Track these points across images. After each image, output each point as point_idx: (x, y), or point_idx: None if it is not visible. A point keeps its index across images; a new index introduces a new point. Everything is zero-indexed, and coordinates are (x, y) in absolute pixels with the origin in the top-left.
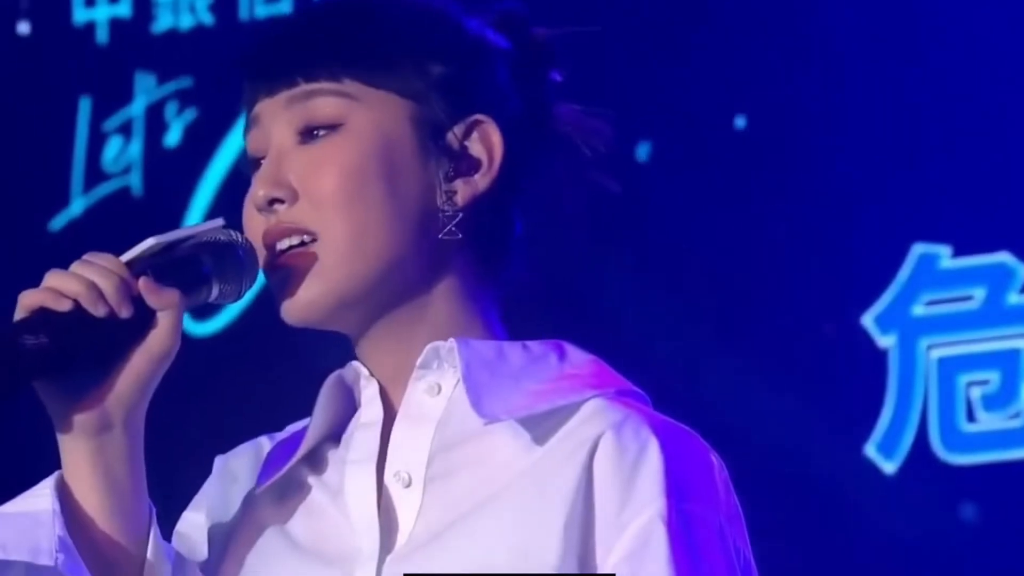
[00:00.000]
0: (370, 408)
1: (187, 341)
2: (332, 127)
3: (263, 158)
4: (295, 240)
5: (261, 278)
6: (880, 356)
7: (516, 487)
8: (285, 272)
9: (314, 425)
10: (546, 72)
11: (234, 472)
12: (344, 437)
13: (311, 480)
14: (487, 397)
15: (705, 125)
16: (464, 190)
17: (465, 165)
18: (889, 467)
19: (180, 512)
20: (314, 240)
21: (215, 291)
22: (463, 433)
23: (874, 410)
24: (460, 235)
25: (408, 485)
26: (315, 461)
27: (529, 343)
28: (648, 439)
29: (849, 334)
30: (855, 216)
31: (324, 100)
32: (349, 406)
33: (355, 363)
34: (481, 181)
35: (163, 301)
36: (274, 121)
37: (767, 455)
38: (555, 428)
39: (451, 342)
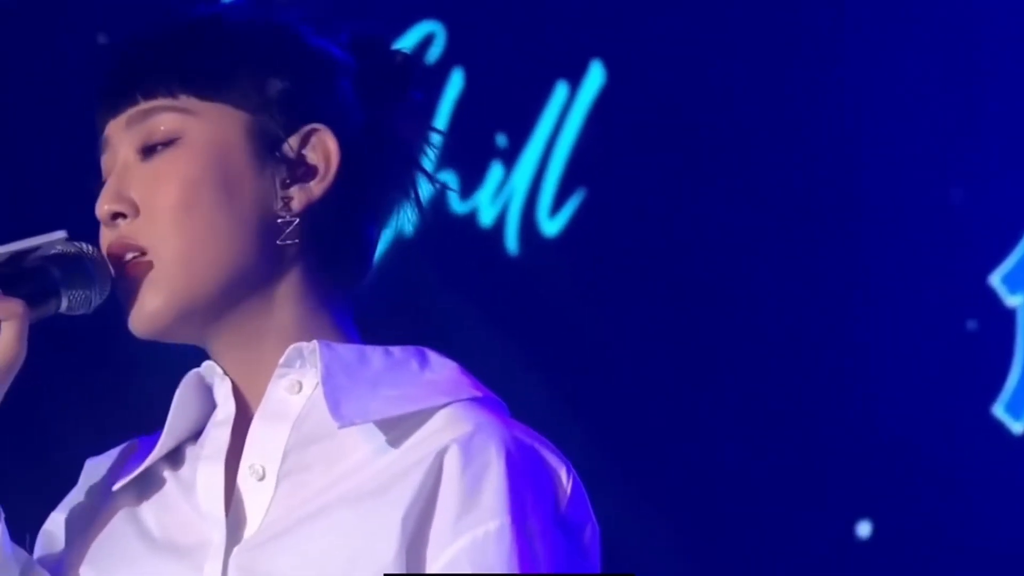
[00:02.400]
0: (224, 406)
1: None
2: (169, 142)
3: None
4: (134, 253)
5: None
6: (1008, 316)
7: (363, 488)
8: (126, 284)
9: (171, 423)
10: (393, 90)
11: (101, 472)
12: (203, 435)
13: (168, 476)
14: (344, 400)
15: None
16: (300, 196)
17: (301, 172)
18: (1018, 427)
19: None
20: (150, 252)
21: (64, 303)
22: (319, 432)
23: (1002, 370)
24: (298, 240)
25: (261, 478)
26: (175, 459)
27: (392, 348)
28: (494, 453)
29: (976, 294)
30: (983, 177)
31: (161, 116)
32: (209, 404)
33: (210, 363)
34: (317, 187)
35: (6, 311)
36: (120, 141)
37: (894, 416)
38: (408, 433)
39: (314, 343)
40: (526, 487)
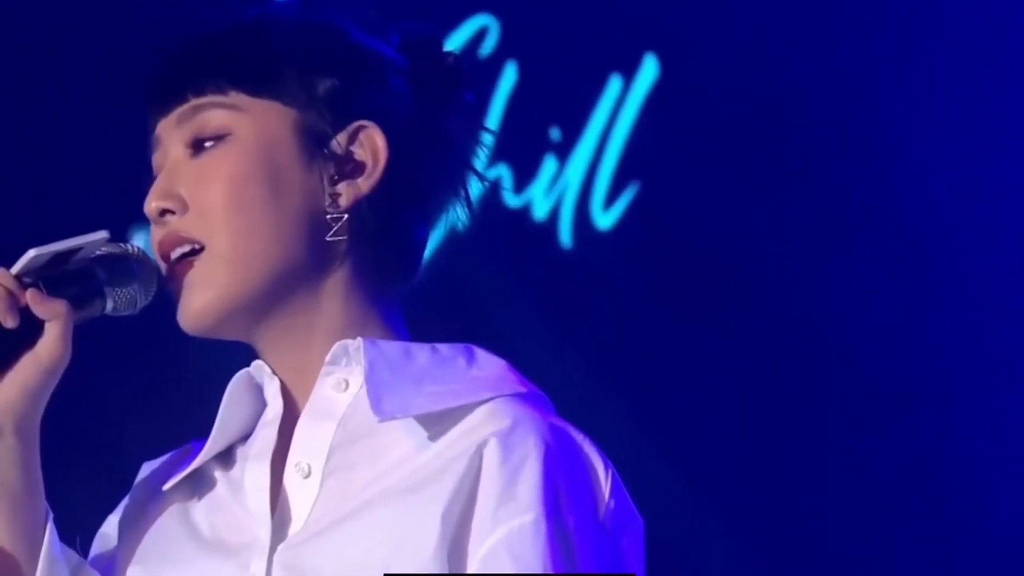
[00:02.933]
0: (272, 405)
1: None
2: (218, 138)
3: None
4: (185, 248)
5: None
6: None
7: (404, 481)
8: (177, 281)
9: (220, 424)
10: (444, 90)
11: (155, 475)
12: (252, 435)
13: (218, 476)
14: (386, 396)
15: None
16: (348, 192)
17: (349, 169)
18: None
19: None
20: (202, 249)
21: (109, 304)
22: (364, 429)
23: None
24: (346, 236)
25: (307, 476)
26: (226, 459)
27: (439, 345)
28: (533, 446)
29: None
30: None
31: (211, 112)
32: (259, 404)
33: (259, 362)
34: (364, 184)
35: (50, 311)
36: (170, 138)
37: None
38: (449, 428)
39: (358, 341)
40: (563, 482)
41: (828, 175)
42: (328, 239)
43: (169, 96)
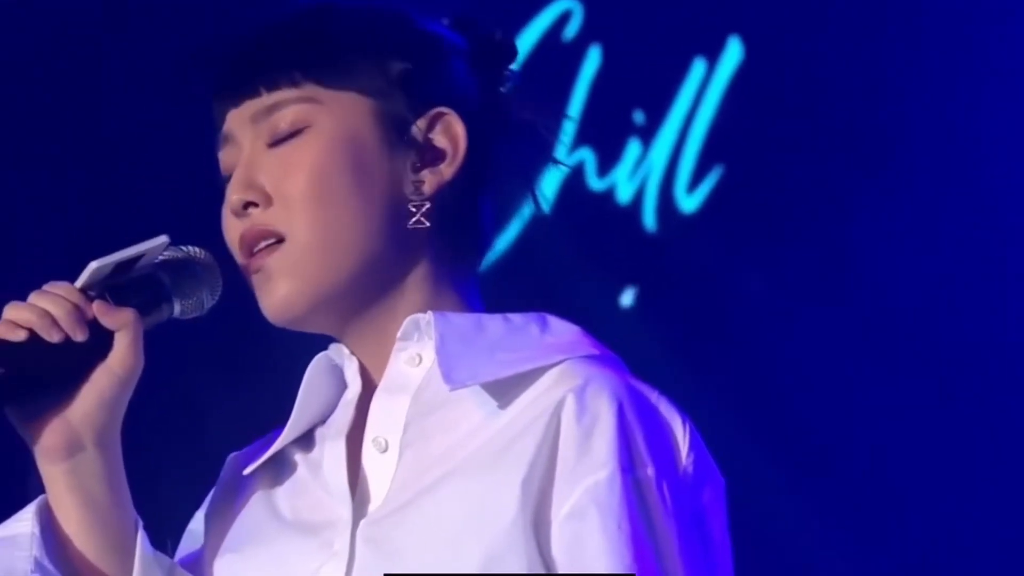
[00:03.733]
0: (352, 385)
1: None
2: (297, 131)
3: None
4: (270, 241)
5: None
6: None
7: (482, 451)
8: (259, 273)
9: (300, 406)
10: (502, 68)
11: (240, 464)
12: (331, 416)
13: (299, 459)
14: (457, 366)
15: None
16: (431, 180)
17: (430, 156)
18: None
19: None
20: (284, 239)
21: (177, 307)
22: (437, 401)
23: None
24: (429, 224)
25: (384, 451)
26: (306, 442)
27: (511, 315)
28: (606, 402)
29: None
30: None
31: (287, 108)
32: (339, 386)
33: (336, 344)
34: (447, 170)
35: (117, 321)
36: (243, 134)
37: None
38: (522, 392)
39: (429, 314)
40: (638, 437)
41: (916, 156)
42: (411, 226)
43: (240, 91)
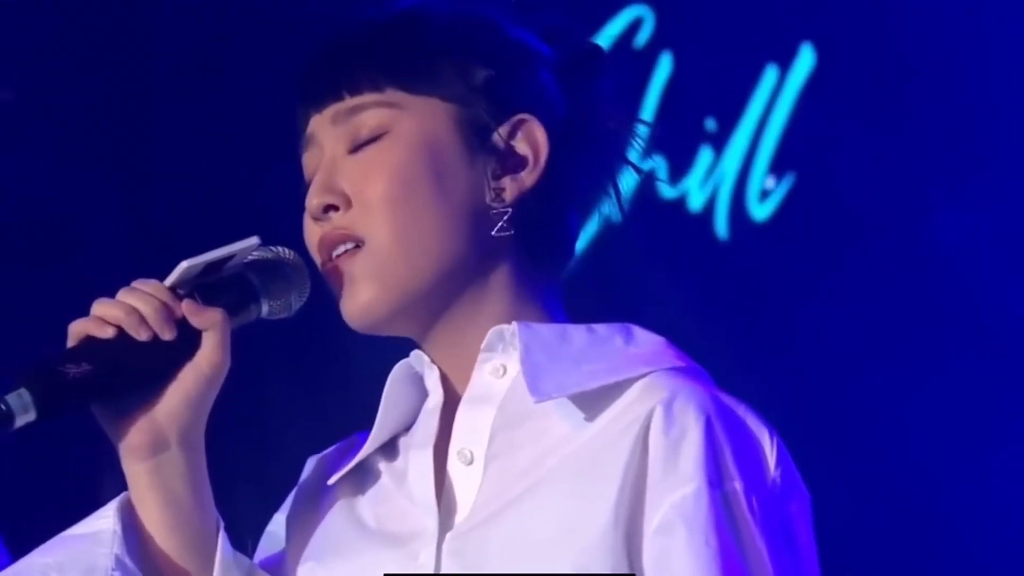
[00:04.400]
0: (433, 394)
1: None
2: (378, 136)
3: None
4: (349, 245)
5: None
6: None
7: (570, 463)
8: (339, 277)
9: (382, 416)
10: (591, 78)
11: (320, 469)
12: (414, 425)
13: (382, 468)
14: (543, 377)
15: None
16: (512, 187)
17: (512, 163)
18: None
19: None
20: (364, 244)
21: (265, 308)
22: (523, 412)
23: None
24: (511, 231)
25: (470, 463)
26: (389, 451)
27: (595, 326)
28: (693, 415)
29: None
30: None
31: (369, 112)
32: (420, 394)
33: (417, 352)
34: (528, 178)
35: (206, 320)
36: (325, 137)
37: None
38: (608, 405)
39: (513, 325)
40: (725, 451)
41: (999, 162)
42: (493, 234)
43: (323, 93)
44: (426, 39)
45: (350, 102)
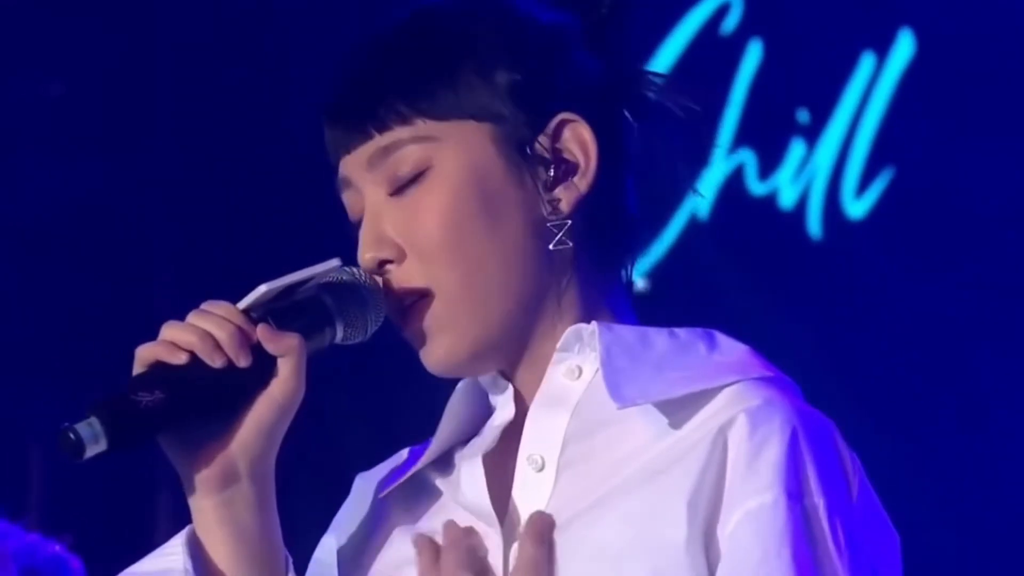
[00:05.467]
0: (504, 410)
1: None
2: (419, 174)
3: (363, 218)
4: (415, 296)
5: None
6: None
7: (645, 471)
8: (412, 329)
9: (442, 427)
10: (622, 39)
11: (370, 485)
12: (474, 439)
13: (438, 481)
14: (625, 382)
15: None
16: (567, 196)
17: (562, 170)
18: None
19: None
20: (430, 295)
21: (340, 333)
22: (600, 418)
23: None
24: (571, 243)
25: (541, 469)
26: (444, 463)
27: (677, 330)
28: (778, 426)
29: None
30: None
31: (404, 150)
32: (483, 407)
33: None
34: (582, 182)
35: (282, 347)
36: (362, 182)
37: None
38: (692, 414)
39: (593, 325)
40: (809, 466)
41: None
42: (553, 248)
43: (351, 134)
44: (438, 53)
45: (381, 141)
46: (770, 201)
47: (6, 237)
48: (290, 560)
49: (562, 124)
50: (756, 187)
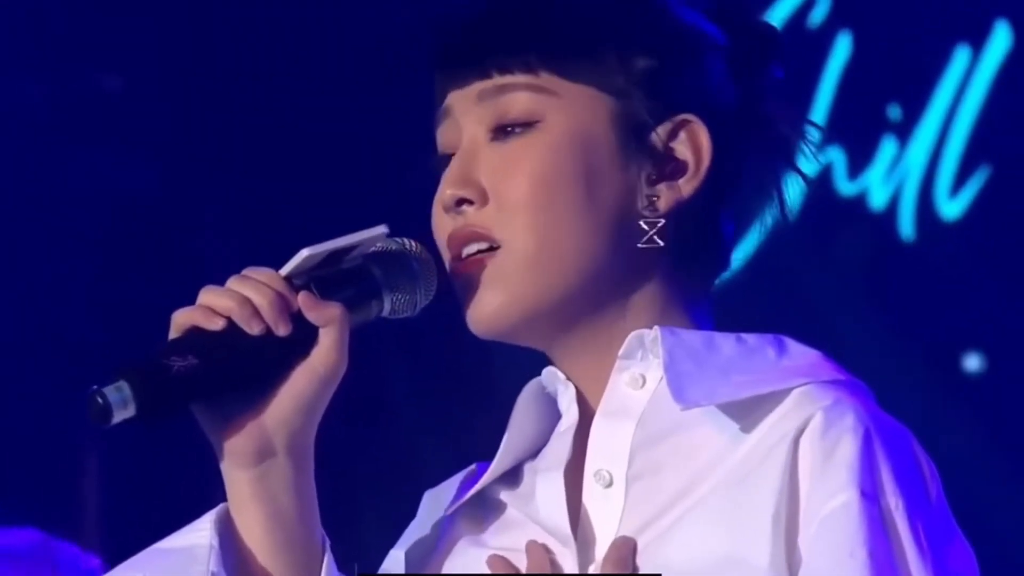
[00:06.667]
0: (568, 415)
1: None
2: (526, 124)
3: (453, 155)
4: (482, 245)
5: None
6: None
7: (722, 486)
8: (468, 278)
9: (509, 439)
10: (764, 68)
11: (439, 502)
12: (544, 448)
13: (506, 496)
14: (689, 385)
15: None
16: (667, 196)
17: (669, 168)
18: None
19: None
20: (500, 247)
21: (387, 305)
22: (667, 427)
23: None
24: (662, 243)
25: (609, 485)
26: (514, 477)
27: (745, 335)
28: (850, 424)
29: None
30: None
31: (518, 95)
32: (550, 416)
33: (551, 369)
34: (686, 186)
35: (324, 317)
36: (465, 116)
37: None
38: (762, 418)
39: (655, 330)
40: (884, 465)
41: None
42: (640, 245)
43: (468, 69)
44: (587, 18)
45: (498, 80)
46: (860, 201)
47: (61, 233)
48: (327, 544)
49: (683, 123)
50: (845, 187)
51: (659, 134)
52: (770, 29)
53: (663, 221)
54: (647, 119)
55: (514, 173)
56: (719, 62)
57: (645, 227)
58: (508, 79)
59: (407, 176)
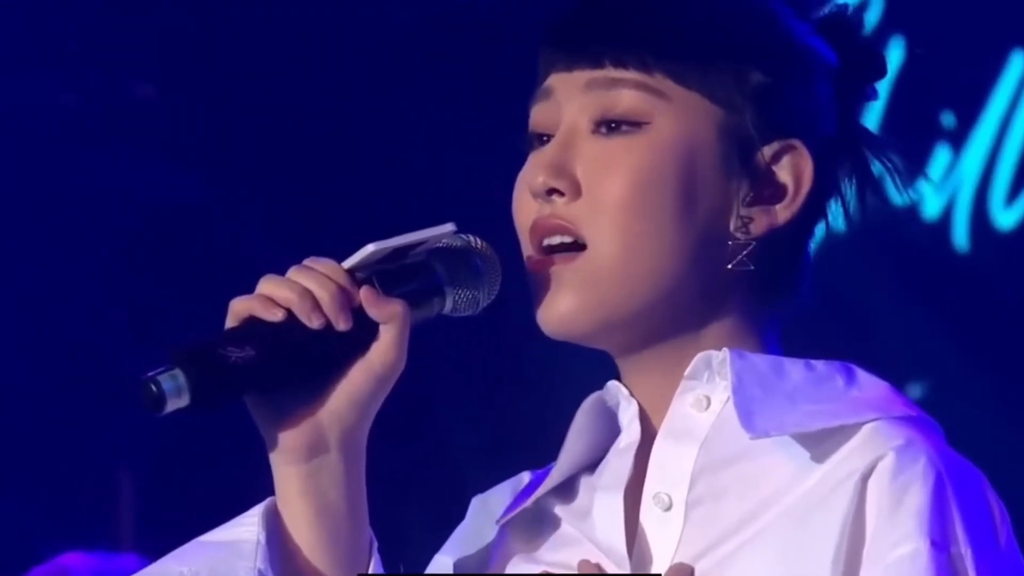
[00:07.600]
0: (628, 431)
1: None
2: (633, 124)
3: (546, 136)
4: (566, 239)
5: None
6: None
7: (785, 519)
8: (546, 275)
9: (566, 451)
10: (866, 93)
11: (489, 510)
12: (601, 464)
13: (561, 511)
14: (758, 413)
15: None
16: (761, 219)
17: (768, 192)
18: None
19: None
20: (585, 247)
21: (449, 303)
22: (731, 453)
23: None
24: (749, 267)
25: (668, 508)
26: (569, 491)
27: (814, 362)
28: (921, 469)
29: None
30: None
31: (629, 92)
32: (609, 431)
33: (614, 383)
34: (782, 213)
35: (385, 313)
36: (569, 100)
37: None
38: (831, 451)
39: (724, 352)
40: (954, 513)
41: None
42: (729, 267)
43: (580, 55)
44: (708, 25)
45: (610, 73)
46: (913, 211)
47: (97, 240)
48: (375, 544)
49: (789, 147)
50: (897, 196)
51: (764, 154)
52: (878, 53)
53: (753, 244)
54: (754, 137)
55: (613, 172)
56: (827, 85)
57: (733, 248)
58: (621, 73)
59: (445, 176)
